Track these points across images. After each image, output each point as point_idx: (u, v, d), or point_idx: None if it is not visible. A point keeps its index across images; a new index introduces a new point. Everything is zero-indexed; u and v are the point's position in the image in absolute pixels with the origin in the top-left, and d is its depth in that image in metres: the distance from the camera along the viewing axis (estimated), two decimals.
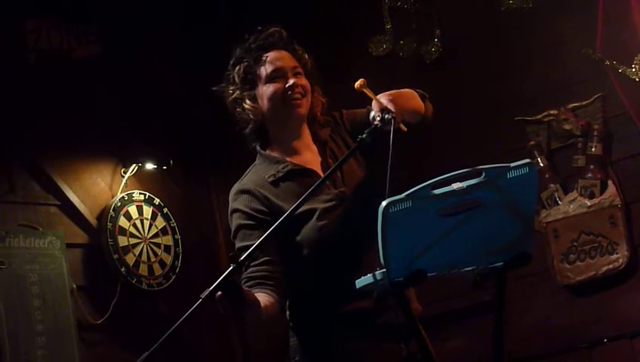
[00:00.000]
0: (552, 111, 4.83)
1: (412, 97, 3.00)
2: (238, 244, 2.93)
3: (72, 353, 4.97)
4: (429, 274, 2.47)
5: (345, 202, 2.92)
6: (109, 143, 5.50)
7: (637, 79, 4.60)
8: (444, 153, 4.85)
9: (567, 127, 4.79)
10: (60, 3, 5.39)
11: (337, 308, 2.90)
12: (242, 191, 2.98)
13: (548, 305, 4.85)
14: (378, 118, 2.79)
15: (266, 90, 2.98)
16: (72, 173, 5.33)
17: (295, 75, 2.99)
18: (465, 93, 5.08)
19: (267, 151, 3.05)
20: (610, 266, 4.67)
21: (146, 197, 5.58)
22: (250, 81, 3.00)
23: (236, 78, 3.02)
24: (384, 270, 2.42)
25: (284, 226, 2.73)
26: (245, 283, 2.86)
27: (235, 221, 2.96)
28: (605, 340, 4.66)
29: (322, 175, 2.92)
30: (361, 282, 2.49)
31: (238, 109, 3.03)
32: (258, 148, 3.06)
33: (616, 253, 4.64)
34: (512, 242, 2.54)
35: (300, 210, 2.77)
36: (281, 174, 2.97)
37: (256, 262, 2.86)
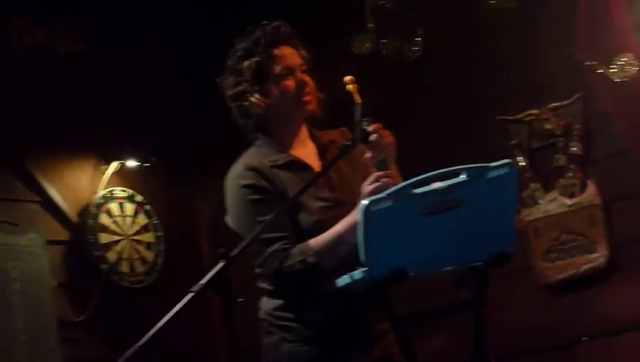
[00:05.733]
0: (533, 111, 4.84)
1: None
2: (257, 218, 2.89)
3: (53, 350, 4.96)
4: (410, 273, 2.48)
5: (340, 206, 2.96)
6: (91, 140, 5.48)
7: (617, 79, 4.62)
8: (425, 152, 4.85)
9: (547, 126, 4.80)
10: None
11: (316, 308, 2.92)
12: (250, 168, 3.00)
13: (528, 304, 4.86)
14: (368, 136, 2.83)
15: (278, 87, 3.05)
16: (54, 169, 5.31)
17: (302, 72, 3.08)
18: (446, 93, 5.09)
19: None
20: (590, 265, 4.68)
21: (128, 194, 5.57)
22: (261, 77, 3.06)
23: (245, 73, 3.07)
24: (364, 269, 2.44)
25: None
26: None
27: (246, 196, 2.96)
28: (585, 338, 4.68)
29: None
30: (342, 281, 2.51)
31: (241, 102, 3.08)
32: (260, 135, 3.11)
33: (596, 252, 4.66)
34: (492, 241, 2.56)
35: (297, 201, 2.84)
36: (280, 162, 3.03)
37: (286, 239, 2.90)
